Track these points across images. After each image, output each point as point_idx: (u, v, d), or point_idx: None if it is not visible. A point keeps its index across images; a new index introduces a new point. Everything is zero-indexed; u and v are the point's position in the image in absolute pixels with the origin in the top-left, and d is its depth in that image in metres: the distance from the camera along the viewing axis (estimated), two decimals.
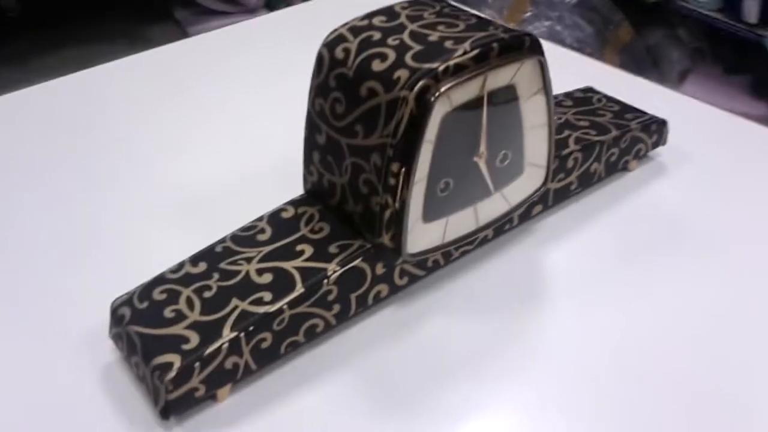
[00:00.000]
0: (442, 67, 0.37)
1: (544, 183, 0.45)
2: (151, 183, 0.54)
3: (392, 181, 0.38)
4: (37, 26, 1.36)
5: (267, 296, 0.38)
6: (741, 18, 1.53)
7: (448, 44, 0.38)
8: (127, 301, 0.40)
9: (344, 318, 0.41)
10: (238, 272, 0.40)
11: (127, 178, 0.55)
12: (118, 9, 1.60)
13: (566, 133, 0.49)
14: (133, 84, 0.66)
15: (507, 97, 0.40)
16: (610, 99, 0.55)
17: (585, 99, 0.55)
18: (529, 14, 1.62)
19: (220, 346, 0.36)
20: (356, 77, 0.39)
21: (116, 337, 0.39)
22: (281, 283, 0.39)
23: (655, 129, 0.52)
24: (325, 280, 0.39)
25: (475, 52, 0.37)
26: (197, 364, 0.36)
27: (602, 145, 0.49)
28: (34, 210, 0.51)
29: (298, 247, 0.41)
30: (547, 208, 0.49)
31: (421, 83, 0.36)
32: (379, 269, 0.41)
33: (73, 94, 0.65)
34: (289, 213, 0.43)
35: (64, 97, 0.64)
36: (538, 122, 0.43)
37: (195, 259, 0.41)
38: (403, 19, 0.41)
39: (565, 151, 0.47)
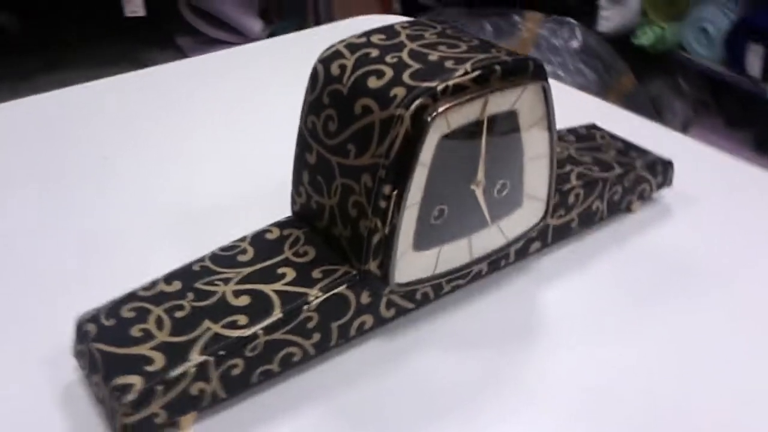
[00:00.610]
0: (441, 87, 0.35)
1: (544, 218, 0.43)
2: (136, 201, 0.52)
3: (383, 204, 0.36)
4: (39, 47, 1.35)
5: (242, 320, 0.36)
6: (744, 71, 1.52)
7: (449, 64, 0.36)
8: (94, 317, 0.37)
9: (324, 348, 0.38)
10: (213, 293, 0.37)
11: (110, 195, 0.52)
12: (120, 34, 1.59)
13: (568, 167, 0.47)
14: (122, 101, 0.64)
15: (508, 123, 0.38)
16: (614, 136, 0.53)
17: (588, 135, 0.53)
18: None
19: (187, 370, 0.34)
20: (351, 94, 0.37)
21: (79, 355, 0.37)
22: (258, 307, 0.36)
23: (661, 169, 0.50)
24: (305, 306, 0.36)
25: (477, 73, 0.35)
26: (160, 388, 0.33)
27: (605, 183, 0.47)
28: (16, 221, 0.49)
29: (280, 270, 0.38)
30: (546, 246, 0.47)
31: (417, 102, 0.34)
32: (365, 298, 0.38)
33: (63, 107, 0.63)
34: (273, 234, 0.41)
35: (53, 111, 0.62)
36: (539, 152, 0.40)
37: (170, 278, 0.39)
38: (402, 38, 0.39)
39: (566, 186, 0.45)
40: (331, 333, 0.38)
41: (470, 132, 0.37)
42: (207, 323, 0.36)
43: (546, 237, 0.46)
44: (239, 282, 0.38)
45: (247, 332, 0.35)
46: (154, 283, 0.38)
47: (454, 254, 0.40)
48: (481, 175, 0.38)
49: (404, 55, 0.37)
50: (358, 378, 0.39)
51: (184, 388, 0.34)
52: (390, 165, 0.35)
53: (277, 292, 0.37)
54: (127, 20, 1.40)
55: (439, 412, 0.37)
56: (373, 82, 0.36)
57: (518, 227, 0.42)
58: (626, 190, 0.49)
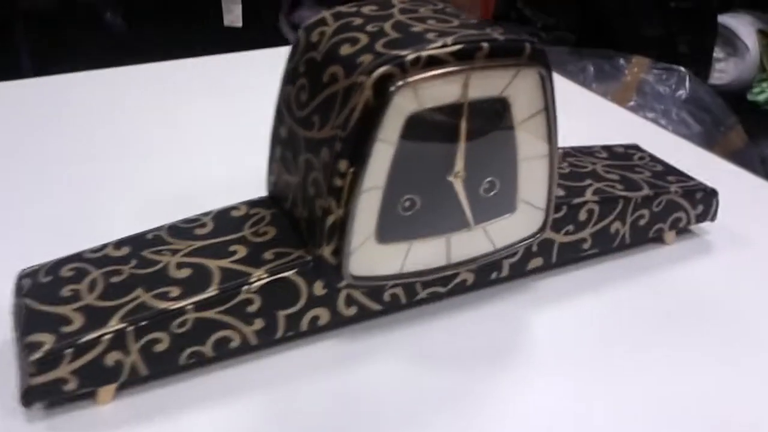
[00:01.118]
0: (411, 56, 0.31)
1: (542, 229, 0.38)
2: (119, 186, 0.50)
3: (338, 182, 0.32)
4: (143, 48, 1.39)
5: (174, 291, 0.33)
6: None
7: (430, 36, 0.32)
8: (34, 272, 0.35)
9: (269, 339, 0.35)
10: (157, 262, 0.35)
11: (90, 180, 0.51)
12: (219, 42, 1.62)
13: (587, 182, 0.42)
14: (111, 94, 0.63)
15: (496, 111, 0.34)
16: (655, 159, 0.47)
17: (625, 154, 0.47)
18: (632, 103, 1.54)
19: (101, 336, 0.31)
20: (323, 61, 0.34)
21: (13, 310, 0.35)
22: (196, 281, 0.33)
23: (701, 198, 0.44)
24: (245, 287, 0.33)
25: (457, 47, 0.32)
26: (69, 351, 0.31)
27: (627, 202, 0.42)
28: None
29: (232, 248, 0.35)
30: (550, 266, 0.41)
31: (382, 69, 0.31)
32: (319, 289, 0.35)
33: (41, 95, 0.62)
34: (239, 212, 0.38)
35: (32, 98, 0.62)
36: (537, 152, 0.36)
37: (120, 243, 0.36)
38: (394, 9, 0.36)
39: (578, 200, 0.40)
40: (277, 322, 0.34)
41: (448, 115, 0.33)
42: (138, 291, 0.33)
43: (549, 254, 0.41)
44: (186, 254, 0.35)
45: (175, 305, 0.32)
46: (103, 246, 0.36)
47: (427, 254, 0.36)
48: (460, 166, 0.34)
49: (387, 24, 0.34)
50: (301, 377, 0.35)
51: (98, 356, 0.31)
52: (347, 137, 0.32)
53: (221, 268, 0.34)
54: (227, 30, 1.43)
55: (382, 426, 0.32)
56: (345, 49, 0.33)
57: (509, 235, 0.37)
58: (655, 216, 0.43)
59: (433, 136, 0.33)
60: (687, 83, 1.62)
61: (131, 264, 0.35)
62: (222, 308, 0.33)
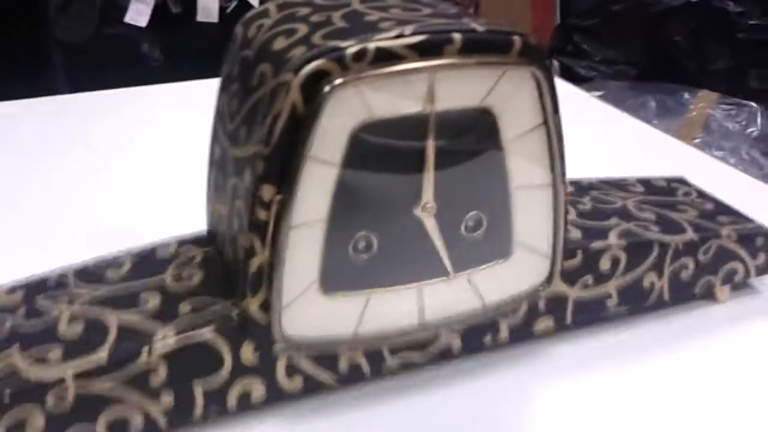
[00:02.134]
0: (354, 48, 0.23)
1: (548, 281, 0.30)
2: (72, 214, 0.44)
3: (261, 213, 0.24)
4: (178, 80, 1.35)
5: (55, 354, 0.26)
6: None
7: (385, 24, 0.25)
8: None
9: (183, 419, 0.27)
10: (47, 313, 0.28)
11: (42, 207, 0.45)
12: None
13: (612, 221, 0.33)
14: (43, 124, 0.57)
15: (477, 126, 0.26)
16: (704, 195, 0.38)
17: (668, 189, 0.38)
18: (698, 141, 1.42)
19: None
20: (254, 60, 0.26)
21: None
22: (86, 341, 0.26)
23: (763, 245, 0.35)
24: (145, 349, 0.26)
25: (418, 38, 0.24)
26: None
27: (664, 248, 0.33)
28: None
29: (143, 296, 0.28)
30: (564, 328, 0.33)
31: (313, 64, 0.23)
32: (248, 354, 0.27)
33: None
34: (168, 250, 0.31)
35: None
36: (535, 180, 0.28)
37: (14, 287, 0.29)
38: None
39: (599, 244, 0.32)
40: (193, 398, 0.27)
41: (410, 129, 0.25)
42: (13, 351, 0.26)
43: (562, 313, 0.32)
44: (87, 303, 0.28)
45: (51, 374, 0.25)
46: None
47: (392, 310, 0.28)
48: (428, 196, 0.26)
49: (337, 14, 0.26)
50: None
51: None
52: (270, 155, 0.24)
53: (121, 324, 0.27)
54: None
55: None
56: (279, 43, 0.25)
57: (504, 288, 0.29)
58: (704, 267, 0.34)
59: (390, 156, 0.25)
60: (758, 119, 1.51)
61: (19, 313, 0.28)
62: (115, 379, 0.25)
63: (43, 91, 0.67)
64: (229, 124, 0.27)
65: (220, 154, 0.29)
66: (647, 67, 1.68)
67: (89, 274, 0.30)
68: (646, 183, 0.38)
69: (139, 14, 1.30)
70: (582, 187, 0.37)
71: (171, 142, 0.53)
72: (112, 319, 0.27)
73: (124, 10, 1.28)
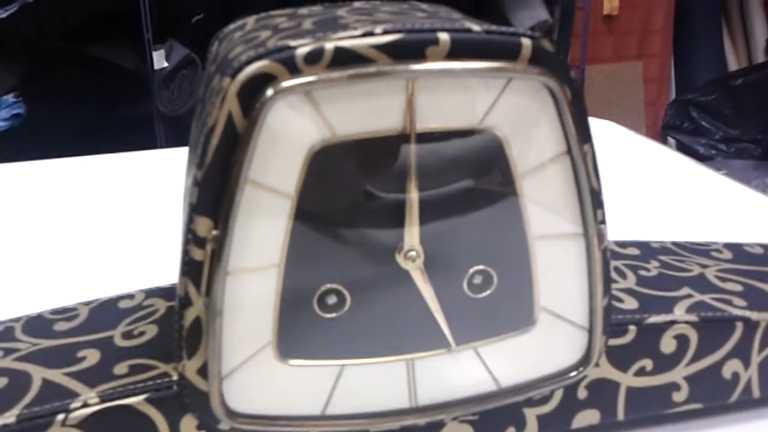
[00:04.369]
0: (306, 48, 0.18)
1: (586, 360, 0.23)
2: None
3: (196, 253, 0.20)
4: None
5: None
6: None
7: (355, 24, 0.20)
8: None
9: None
10: None
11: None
12: None
13: (682, 291, 0.26)
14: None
15: (476, 153, 0.20)
16: None
17: (761, 257, 0.31)
18: None
19: None
20: (214, 74, 0.22)
21: None
22: (2, 398, 0.22)
23: None
24: (61, 417, 0.21)
25: (390, 37, 0.19)
26: None
27: (752, 329, 0.25)
28: None
29: (83, 353, 0.23)
30: (615, 426, 0.25)
31: (254, 66, 0.18)
32: (189, 429, 0.22)
33: None
34: (132, 302, 0.26)
35: None
36: (561, 227, 0.21)
37: None
38: (349, 7, 0.23)
39: (659, 319, 0.25)
40: None
41: (385, 153, 0.20)
42: None
43: (611, 406, 0.25)
44: (20, 358, 0.24)
45: None
46: None
47: (374, 385, 0.22)
48: (412, 241, 0.20)
49: (312, 19, 0.21)
50: None
51: None
52: (203, 179, 0.19)
53: (46, 382, 0.22)
54: None
55: None
56: (237, 50, 0.21)
57: (527, 367, 0.23)
58: None
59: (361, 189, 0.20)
60: None
61: None
62: None
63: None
64: (192, 154, 0.23)
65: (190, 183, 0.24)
66: None
67: (39, 324, 0.26)
68: (736, 249, 0.31)
69: None
70: (650, 250, 0.30)
71: None
72: (37, 377, 0.22)
73: None
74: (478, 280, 0.21)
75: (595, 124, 0.63)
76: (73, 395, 0.21)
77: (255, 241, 0.20)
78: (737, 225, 0.44)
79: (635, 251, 0.30)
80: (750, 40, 1.70)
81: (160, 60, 1.25)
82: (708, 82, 1.58)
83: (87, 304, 0.27)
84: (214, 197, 0.19)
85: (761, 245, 0.32)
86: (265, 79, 0.18)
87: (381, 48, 0.19)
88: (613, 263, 0.28)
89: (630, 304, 0.25)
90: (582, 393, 0.24)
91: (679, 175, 0.53)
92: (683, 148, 1.56)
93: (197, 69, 1.29)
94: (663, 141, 1.66)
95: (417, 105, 0.19)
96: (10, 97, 1.24)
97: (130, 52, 1.29)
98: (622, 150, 0.59)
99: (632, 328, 0.24)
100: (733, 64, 1.69)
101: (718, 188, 0.51)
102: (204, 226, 0.19)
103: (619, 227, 0.36)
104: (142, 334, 0.24)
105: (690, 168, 0.55)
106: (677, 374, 0.25)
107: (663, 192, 0.50)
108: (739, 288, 0.27)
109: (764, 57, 1.65)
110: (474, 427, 0.24)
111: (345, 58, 0.18)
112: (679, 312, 0.25)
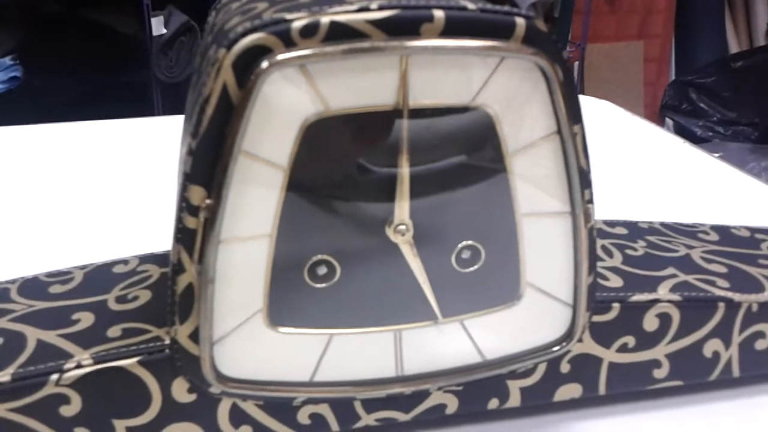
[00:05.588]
0: (302, 22, 0.19)
1: (570, 335, 0.23)
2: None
3: (190, 221, 0.20)
4: None
5: None
6: None
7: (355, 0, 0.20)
8: None
9: None
10: None
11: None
12: None
13: (667, 271, 0.27)
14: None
15: (467, 130, 0.21)
16: None
17: (749, 240, 0.31)
18: None
19: None
20: (210, 44, 0.22)
21: None
22: None
23: None
24: (55, 377, 0.21)
25: (386, 13, 0.19)
26: None
27: (733, 310, 0.26)
28: None
29: (77, 315, 0.24)
30: (596, 400, 0.26)
31: (249, 38, 0.19)
32: (181, 393, 0.22)
33: None
34: (125, 267, 0.27)
35: None
36: (549, 206, 0.22)
37: None
38: None
39: (643, 297, 0.25)
40: None
41: (378, 128, 0.20)
42: None
43: (593, 381, 0.25)
44: (15, 318, 0.24)
45: None
46: None
47: (362, 355, 0.22)
48: (402, 215, 0.21)
49: None
50: None
51: None
52: (198, 148, 0.19)
53: (41, 342, 0.23)
54: None
55: None
56: (234, 21, 0.21)
57: (512, 340, 0.23)
58: None
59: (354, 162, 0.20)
60: None
61: None
62: (17, 404, 0.21)
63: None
64: (187, 123, 0.23)
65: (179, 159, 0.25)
66: None
67: (34, 287, 0.26)
68: (723, 231, 0.32)
69: None
70: (638, 230, 0.30)
71: None
72: (32, 338, 0.23)
73: None
74: (466, 255, 0.22)
75: (592, 104, 0.64)
76: (67, 356, 0.22)
77: (247, 211, 0.20)
78: (727, 208, 0.45)
79: (623, 231, 0.30)
80: (752, 23, 1.70)
81: (158, 26, 1.25)
82: (708, 64, 1.58)
83: (82, 268, 0.27)
84: (208, 167, 0.19)
85: (748, 228, 0.32)
86: (260, 51, 0.19)
87: (376, 23, 0.19)
88: (601, 242, 0.28)
89: (615, 282, 0.26)
90: (565, 367, 0.25)
91: (672, 157, 0.54)
92: (681, 129, 1.56)
93: (196, 36, 1.29)
94: (661, 122, 1.66)
95: (410, 81, 0.19)
96: (7, 60, 1.24)
97: (129, 17, 1.28)
98: (617, 130, 0.59)
99: (616, 305, 0.25)
100: (734, 47, 1.69)
101: (710, 171, 0.51)
102: (197, 194, 0.20)
103: (610, 207, 0.37)
104: (135, 298, 0.24)
105: (684, 150, 0.55)
106: (659, 352, 0.26)
107: (655, 173, 0.50)
108: (723, 269, 0.28)
109: (765, 40, 1.65)
110: (458, 398, 0.24)
111: (340, 33, 0.19)
112: (663, 291, 0.25)
